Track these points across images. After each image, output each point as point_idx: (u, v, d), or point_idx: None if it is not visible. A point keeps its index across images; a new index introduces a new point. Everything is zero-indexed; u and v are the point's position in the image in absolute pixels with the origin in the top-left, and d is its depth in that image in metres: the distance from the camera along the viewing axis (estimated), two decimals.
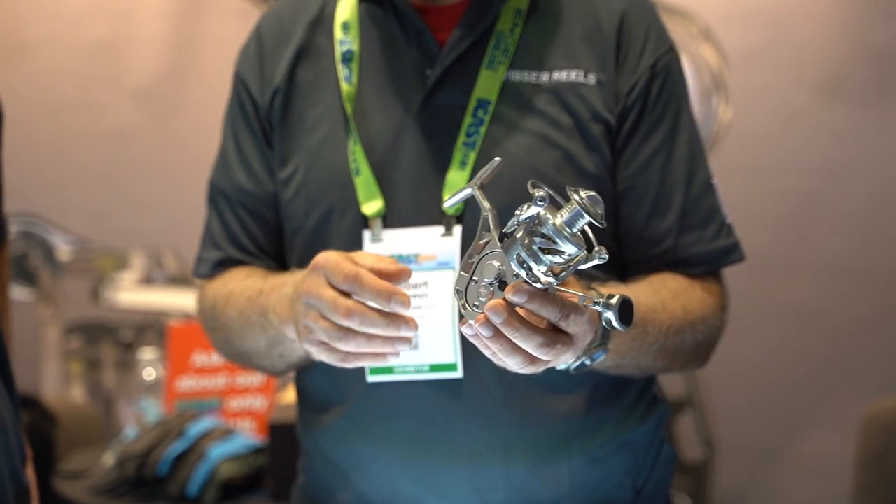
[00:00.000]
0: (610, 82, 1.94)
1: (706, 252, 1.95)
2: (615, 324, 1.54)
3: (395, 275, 1.60)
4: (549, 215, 1.48)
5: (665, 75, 1.96)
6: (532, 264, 1.47)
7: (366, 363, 1.68)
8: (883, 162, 4.17)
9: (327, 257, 1.62)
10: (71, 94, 4.58)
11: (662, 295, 1.86)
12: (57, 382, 4.68)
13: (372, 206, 1.89)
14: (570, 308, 1.51)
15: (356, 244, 1.89)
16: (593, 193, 1.49)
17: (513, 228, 1.50)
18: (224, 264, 2.04)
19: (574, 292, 1.52)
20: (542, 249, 1.47)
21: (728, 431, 4.37)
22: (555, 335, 1.53)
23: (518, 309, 1.49)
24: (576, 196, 1.48)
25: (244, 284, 1.93)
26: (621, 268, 1.97)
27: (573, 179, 1.87)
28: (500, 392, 1.88)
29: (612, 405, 1.94)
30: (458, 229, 1.87)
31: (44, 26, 4.59)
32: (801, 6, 4.33)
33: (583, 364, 1.70)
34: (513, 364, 1.56)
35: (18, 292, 4.13)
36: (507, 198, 1.79)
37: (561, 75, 1.92)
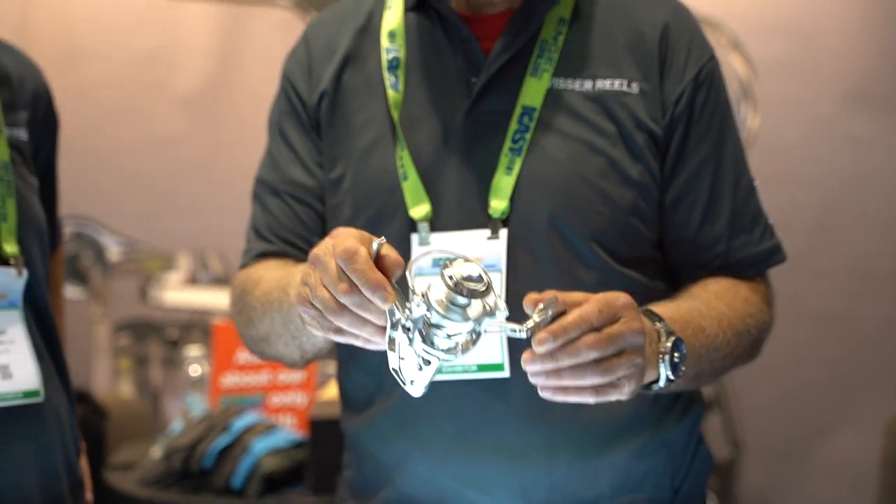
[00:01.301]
0: (653, 92, 1.93)
1: (755, 254, 1.96)
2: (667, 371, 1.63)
3: (392, 266, 1.54)
4: (426, 305, 1.48)
5: (710, 84, 1.96)
6: (434, 350, 1.49)
7: (357, 343, 1.60)
8: None
9: (348, 230, 1.57)
10: (121, 102, 4.60)
11: (708, 301, 1.86)
12: (107, 378, 4.71)
13: (419, 210, 1.89)
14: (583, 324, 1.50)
15: (404, 247, 1.87)
16: (466, 262, 1.50)
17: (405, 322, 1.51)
18: (267, 255, 2.01)
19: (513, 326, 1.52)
20: (433, 332, 1.50)
21: (754, 432, 4.37)
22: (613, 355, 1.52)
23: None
24: (446, 274, 1.48)
25: (276, 272, 1.89)
26: (667, 273, 1.98)
27: (617, 186, 1.88)
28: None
29: (652, 405, 1.93)
30: (503, 232, 1.86)
31: (96, 38, 4.61)
32: (827, 18, 4.32)
33: (675, 371, 1.68)
34: (588, 386, 1.53)
35: (70, 291, 4.16)
36: (552, 202, 1.86)
37: (604, 83, 1.91)
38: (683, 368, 1.68)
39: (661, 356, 1.66)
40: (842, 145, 4.31)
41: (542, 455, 1.88)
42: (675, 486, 1.97)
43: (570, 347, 1.50)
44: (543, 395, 1.53)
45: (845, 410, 4.27)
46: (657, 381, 1.66)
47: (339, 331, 1.58)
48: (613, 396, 1.55)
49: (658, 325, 1.69)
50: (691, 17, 2.02)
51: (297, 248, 1.99)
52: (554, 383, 1.52)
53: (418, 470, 1.94)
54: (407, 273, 1.51)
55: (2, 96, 2.17)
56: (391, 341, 1.53)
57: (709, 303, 1.85)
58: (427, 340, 1.49)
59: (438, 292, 1.47)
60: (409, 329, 1.51)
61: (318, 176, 2.00)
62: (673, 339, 1.67)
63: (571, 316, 1.51)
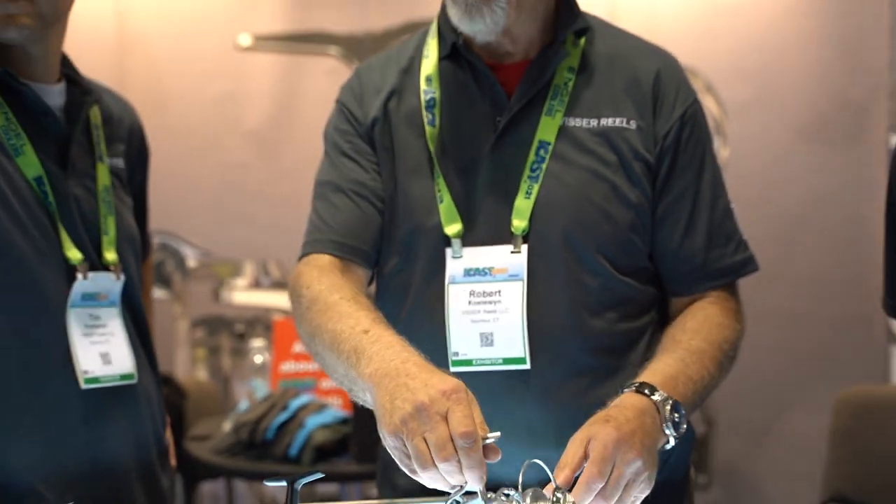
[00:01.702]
0: (648, 127, 1.92)
1: (728, 265, 1.94)
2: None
3: (491, 452, 1.53)
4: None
5: (693, 122, 1.95)
6: None
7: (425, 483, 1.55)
8: (853, 193, 4.15)
9: (465, 399, 1.53)
10: (200, 136, 4.60)
11: (689, 345, 1.84)
12: (186, 365, 4.73)
13: (453, 228, 1.88)
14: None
15: (440, 259, 1.88)
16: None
17: None
18: (324, 245, 1.94)
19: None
20: None
21: (724, 413, 4.35)
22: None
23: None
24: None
25: (347, 307, 1.79)
26: (657, 281, 1.97)
27: (619, 207, 1.87)
28: (557, 382, 1.87)
29: None
30: (524, 247, 1.86)
31: (180, 83, 4.62)
32: (786, 65, 4.31)
33: (677, 429, 1.69)
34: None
35: (157, 292, 4.17)
36: (564, 221, 1.86)
37: (608, 121, 1.91)
38: (685, 425, 1.69)
39: (665, 424, 1.66)
40: (798, 172, 4.29)
41: (553, 433, 1.85)
42: (665, 457, 1.90)
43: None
44: None
45: (801, 394, 4.25)
46: (667, 442, 1.68)
47: (415, 472, 1.53)
48: (639, 500, 1.59)
49: (655, 396, 1.68)
50: (679, 65, 2.02)
51: (354, 238, 1.94)
52: None
53: None
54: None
55: (105, 132, 2.19)
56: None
57: (689, 346, 1.84)
58: None
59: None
60: None
61: (376, 178, 1.97)
62: (670, 403, 1.68)
63: (580, 489, 1.52)
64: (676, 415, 1.67)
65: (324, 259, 1.92)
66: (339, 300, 1.79)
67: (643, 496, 1.59)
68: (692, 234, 1.93)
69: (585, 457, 1.54)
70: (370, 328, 1.71)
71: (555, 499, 1.44)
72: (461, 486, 1.47)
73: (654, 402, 1.67)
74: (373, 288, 2.04)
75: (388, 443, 1.56)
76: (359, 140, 1.99)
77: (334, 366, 1.77)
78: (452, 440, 1.47)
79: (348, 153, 2.00)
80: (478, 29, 1.85)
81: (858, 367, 4.14)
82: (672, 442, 1.68)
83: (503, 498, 1.46)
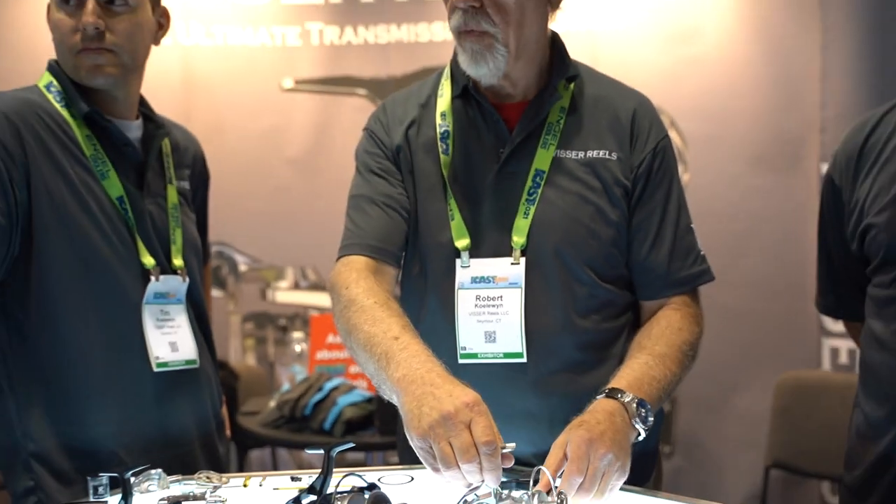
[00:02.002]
0: (626, 158, 1.92)
1: (687, 275, 1.93)
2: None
3: (506, 459, 1.51)
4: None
5: (663, 155, 1.94)
6: None
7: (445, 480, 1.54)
8: (791, 212, 4.14)
9: (485, 411, 1.53)
10: (250, 162, 4.59)
11: (653, 349, 1.82)
12: (237, 353, 4.74)
13: (462, 242, 1.87)
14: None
15: (451, 268, 1.88)
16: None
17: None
18: (360, 248, 1.92)
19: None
20: None
21: (685, 392, 4.35)
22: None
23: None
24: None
25: (381, 313, 1.76)
26: (631, 286, 1.95)
27: (602, 226, 1.87)
28: (549, 373, 1.86)
29: None
30: (522, 260, 1.85)
31: (234, 118, 4.61)
32: (737, 105, 4.30)
33: (646, 422, 1.68)
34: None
35: (214, 292, 4.17)
36: (556, 238, 1.85)
37: (593, 153, 1.90)
38: (651, 418, 1.68)
39: (633, 420, 1.65)
40: (747, 195, 4.28)
41: (546, 416, 1.86)
42: None
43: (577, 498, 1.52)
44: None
45: (748, 377, 4.24)
46: (638, 435, 1.67)
47: (438, 470, 1.52)
48: (617, 486, 1.59)
49: (624, 398, 1.68)
50: (652, 106, 2.01)
51: (383, 241, 1.92)
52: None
53: None
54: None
55: (173, 159, 2.22)
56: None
57: (653, 351, 1.82)
58: None
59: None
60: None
61: (403, 193, 1.95)
62: (636, 402, 1.67)
63: (564, 485, 1.51)
64: (643, 411, 1.66)
65: (359, 261, 1.89)
66: (374, 304, 1.77)
67: (620, 483, 1.59)
68: (658, 249, 1.92)
69: (566, 458, 1.54)
70: (400, 335, 1.69)
71: (558, 500, 1.42)
72: (477, 486, 1.46)
73: (623, 404, 1.67)
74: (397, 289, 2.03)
75: (416, 443, 1.54)
76: (386, 161, 1.98)
77: (366, 363, 1.74)
78: (475, 446, 1.47)
79: (377, 171, 1.98)
80: (482, 73, 1.85)
81: (795, 355, 4.13)
82: (643, 434, 1.67)
83: (512, 499, 1.44)
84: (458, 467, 1.47)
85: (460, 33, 1.83)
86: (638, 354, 1.82)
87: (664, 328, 1.88)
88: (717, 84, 4.35)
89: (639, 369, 1.76)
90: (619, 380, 1.73)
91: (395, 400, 1.64)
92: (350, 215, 1.98)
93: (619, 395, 1.68)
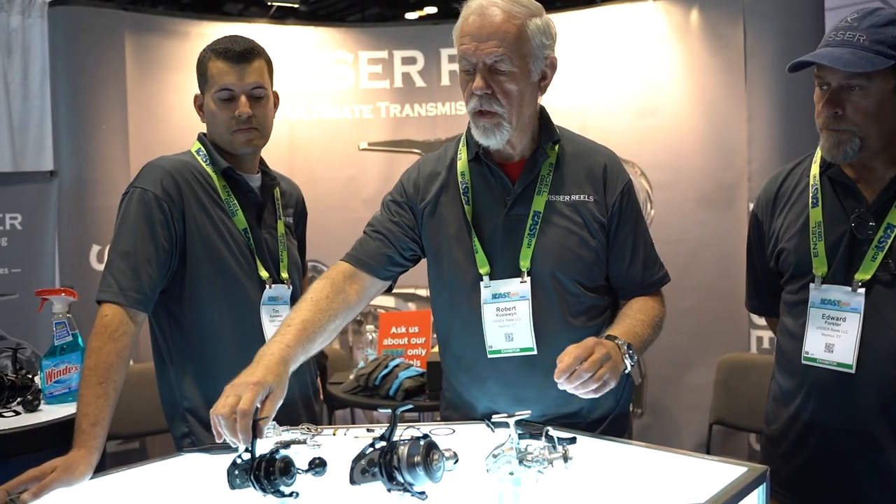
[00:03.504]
0: (601, 200, 1.89)
1: (655, 280, 1.94)
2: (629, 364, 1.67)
3: (259, 430, 1.44)
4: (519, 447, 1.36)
5: (629, 195, 1.93)
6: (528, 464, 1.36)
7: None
8: (727, 239, 4.09)
9: (257, 390, 1.48)
10: (335, 201, 4.59)
11: (636, 317, 1.84)
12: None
13: (484, 269, 1.86)
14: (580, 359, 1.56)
15: (476, 289, 1.86)
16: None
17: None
18: (348, 258, 1.93)
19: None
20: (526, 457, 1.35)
21: (651, 369, 4.34)
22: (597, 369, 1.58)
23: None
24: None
25: (302, 304, 1.77)
26: (611, 292, 1.94)
27: (585, 251, 1.86)
28: (554, 362, 1.78)
29: None
30: (528, 279, 1.83)
31: (324, 170, 4.64)
32: (688, 159, 4.27)
33: (632, 359, 1.70)
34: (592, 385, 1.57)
35: None
36: (552, 261, 1.83)
37: (576, 197, 1.89)
38: (636, 357, 1.71)
39: (624, 356, 1.68)
40: (694, 226, 4.25)
41: (552, 393, 1.79)
42: (618, 399, 1.95)
43: (574, 374, 1.55)
44: (576, 393, 1.57)
45: (697, 358, 4.20)
46: (626, 368, 1.69)
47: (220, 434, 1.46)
48: (609, 387, 1.60)
49: (618, 342, 1.70)
50: (618, 159, 1.99)
51: (367, 258, 1.92)
52: (577, 391, 1.57)
53: (482, 402, 1.92)
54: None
55: (282, 202, 2.23)
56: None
57: (635, 317, 1.83)
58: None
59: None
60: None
61: (401, 233, 1.93)
62: (626, 345, 1.70)
63: (569, 359, 1.56)
64: (630, 351, 1.69)
65: (342, 265, 1.92)
66: (307, 298, 1.79)
67: (612, 384, 1.60)
68: (633, 264, 1.92)
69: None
70: (289, 323, 1.71)
71: (562, 450, 1.36)
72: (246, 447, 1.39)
73: (618, 344, 1.69)
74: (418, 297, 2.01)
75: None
76: (399, 208, 1.98)
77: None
78: (234, 410, 1.44)
79: (389, 209, 1.99)
80: (492, 143, 1.85)
81: (731, 342, 4.09)
82: (629, 368, 1.69)
83: (527, 452, 1.36)
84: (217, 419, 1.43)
85: (476, 113, 1.82)
86: (625, 319, 1.83)
87: (643, 304, 1.89)
88: (673, 145, 4.33)
89: (627, 326, 1.79)
90: (614, 330, 1.76)
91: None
92: (364, 232, 2.00)
93: (615, 339, 1.70)
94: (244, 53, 2.03)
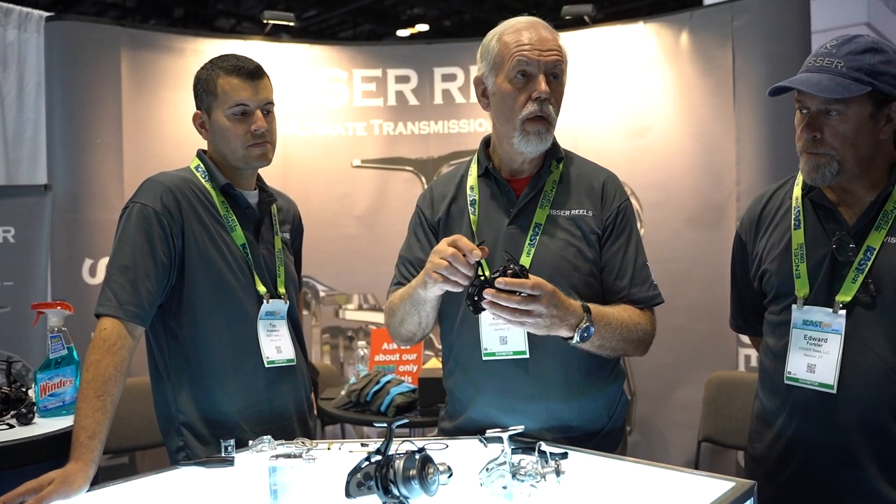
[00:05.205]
0: (598, 215, 1.94)
1: (643, 297, 1.94)
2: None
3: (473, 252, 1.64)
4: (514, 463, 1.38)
5: (625, 212, 1.97)
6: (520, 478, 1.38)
7: (451, 288, 1.69)
8: (715, 258, 4.06)
9: (458, 236, 1.68)
10: (328, 218, 4.57)
11: (617, 309, 1.85)
12: (318, 355, 4.73)
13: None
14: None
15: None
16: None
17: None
18: (397, 285, 2.01)
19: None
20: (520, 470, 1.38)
21: (641, 387, 4.35)
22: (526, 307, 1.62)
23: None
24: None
25: (394, 297, 1.96)
26: (604, 303, 1.92)
27: (582, 262, 1.89)
28: (546, 365, 1.86)
29: (598, 374, 1.93)
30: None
31: (317, 187, 4.64)
32: (678, 181, 4.27)
33: (582, 337, 1.71)
34: (514, 321, 1.64)
35: (304, 312, 4.20)
36: (550, 270, 1.85)
37: (575, 211, 1.94)
38: (587, 338, 1.73)
39: (577, 328, 1.72)
40: (685, 244, 4.25)
41: (543, 397, 1.87)
42: (610, 415, 1.96)
43: (512, 297, 1.62)
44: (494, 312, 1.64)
45: (686, 376, 4.18)
46: (571, 339, 1.72)
47: (445, 279, 1.67)
48: (526, 324, 1.67)
49: (588, 315, 1.73)
50: (617, 178, 2.03)
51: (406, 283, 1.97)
52: (498, 313, 1.64)
53: (479, 406, 1.93)
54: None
55: (279, 217, 2.24)
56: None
57: (617, 310, 1.86)
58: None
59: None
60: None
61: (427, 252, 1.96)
62: (588, 323, 1.73)
63: (516, 280, 1.62)
64: (586, 333, 1.72)
65: (399, 288, 1.99)
66: (395, 294, 1.94)
67: (531, 328, 1.69)
68: (621, 278, 1.94)
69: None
70: (402, 291, 1.93)
71: (554, 465, 1.38)
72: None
73: (584, 317, 1.73)
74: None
75: (427, 280, 1.73)
76: (424, 234, 2.04)
77: (408, 310, 1.89)
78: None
79: (419, 239, 2.04)
80: (539, 149, 1.91)
81: (719, 360, 4.08)
82: (574, 340, 1.73)
83: (520, 465, 1.38)
84: (450, 266, 1.65)
85: (531, 119, 1.87)
86: (607, 306, 1.86)
87: (627, 309, 1.90)
88: (663, 166, 4.35)
89: (606, 310, 1.82)
90: (594, 307, 1.79)
91: (420, 288, 1.81)
92: (398, 266, 2.06)
93: (587, 312, 1.74)
94: (257, 70, 2.08)
